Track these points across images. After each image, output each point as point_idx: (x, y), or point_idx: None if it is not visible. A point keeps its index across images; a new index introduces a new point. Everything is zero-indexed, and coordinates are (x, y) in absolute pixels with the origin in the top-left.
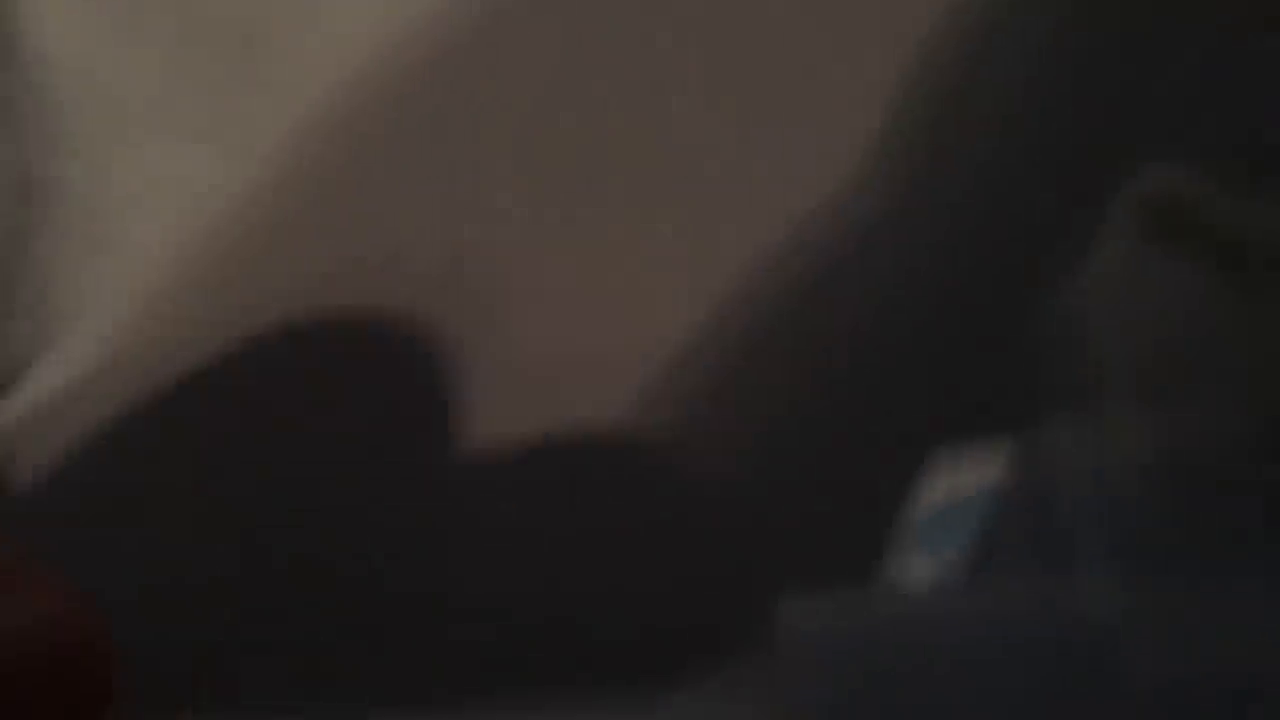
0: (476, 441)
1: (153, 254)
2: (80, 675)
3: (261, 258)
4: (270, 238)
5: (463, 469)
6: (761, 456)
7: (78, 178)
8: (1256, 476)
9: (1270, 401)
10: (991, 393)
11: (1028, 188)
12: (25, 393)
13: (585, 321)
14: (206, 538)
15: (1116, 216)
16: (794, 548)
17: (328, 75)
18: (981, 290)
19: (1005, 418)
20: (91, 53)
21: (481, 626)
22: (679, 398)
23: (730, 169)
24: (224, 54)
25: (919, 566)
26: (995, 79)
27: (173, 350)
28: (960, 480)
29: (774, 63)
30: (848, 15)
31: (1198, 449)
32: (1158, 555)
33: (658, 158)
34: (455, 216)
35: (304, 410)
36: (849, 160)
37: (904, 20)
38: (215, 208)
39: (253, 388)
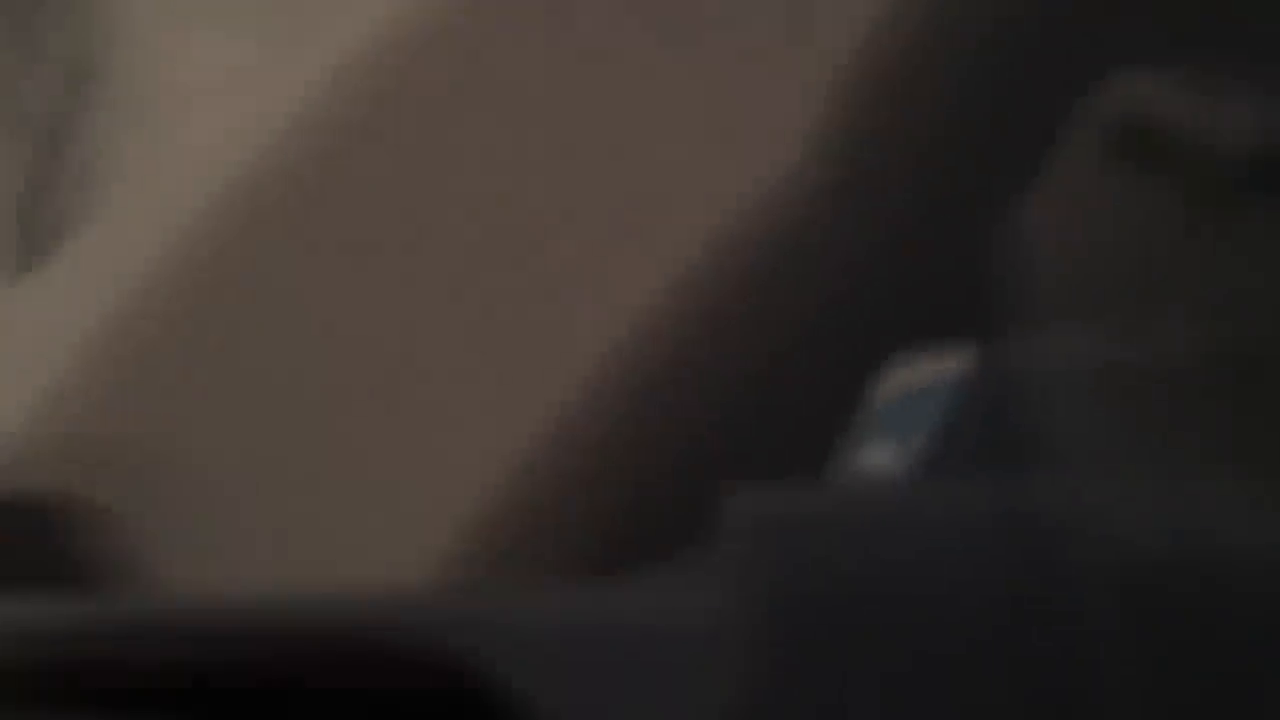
0: None
1: (197, 140)
2: None
3: None
4: None
5: None
6: (724, 372)
7: (128, 65)
8: (1206, 387)
9: (1227, 317)
10: (950, 308)
11: (987, 110)
12: None
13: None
14: None
15: (1076, 132)
16: (750, 443)
17: None
18: (942, 217)
19: (964, 330)
20: None
21: None
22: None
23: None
24: None
25: (881, 452)
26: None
27: None
28: (925, 370)
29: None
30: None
31: (1148, 360)
32: (1106, 458)
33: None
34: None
35: None
36: (795, 133)
37: None
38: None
39: None
